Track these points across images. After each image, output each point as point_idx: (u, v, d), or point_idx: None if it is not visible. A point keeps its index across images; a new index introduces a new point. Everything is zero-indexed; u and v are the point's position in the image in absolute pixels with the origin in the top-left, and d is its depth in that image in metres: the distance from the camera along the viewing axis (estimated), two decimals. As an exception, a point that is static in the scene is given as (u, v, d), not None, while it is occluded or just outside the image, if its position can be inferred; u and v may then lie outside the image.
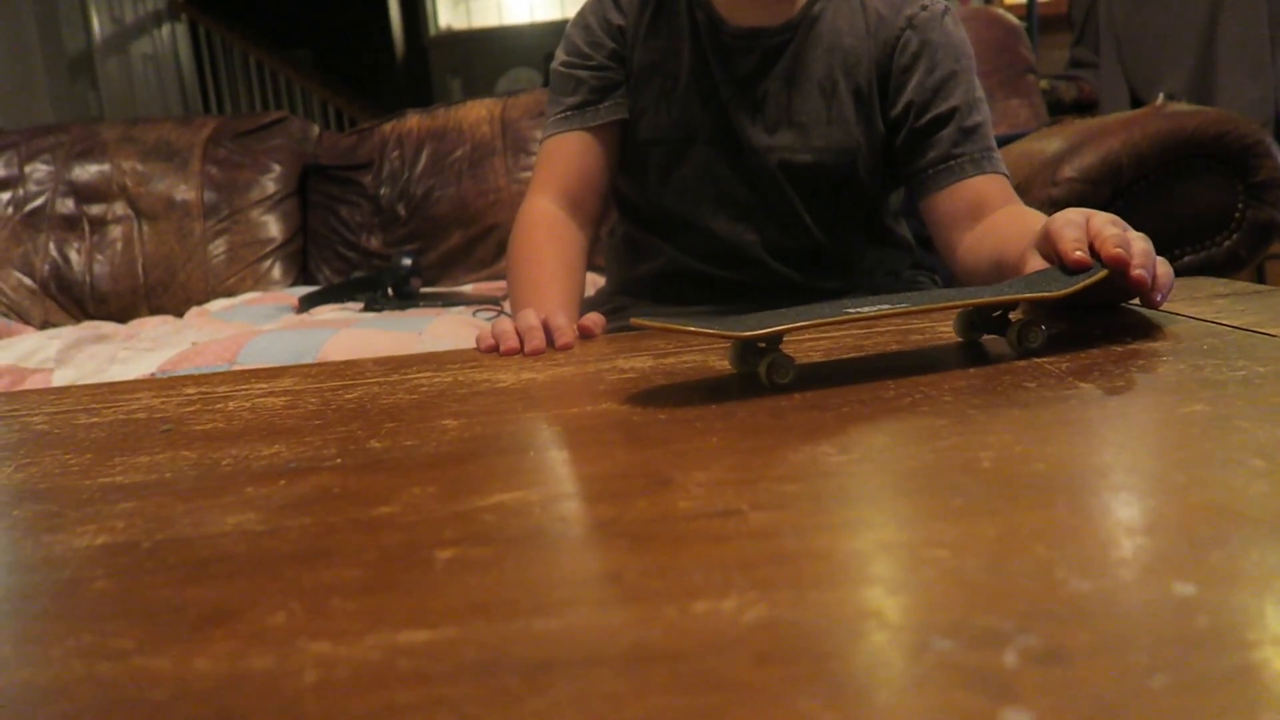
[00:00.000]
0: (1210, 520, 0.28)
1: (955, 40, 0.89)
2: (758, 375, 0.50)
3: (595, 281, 1.22)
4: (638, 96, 0.93)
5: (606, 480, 0.37)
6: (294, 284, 1.75)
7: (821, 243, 0.93)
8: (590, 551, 0.30)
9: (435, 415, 0.50)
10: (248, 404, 0.58)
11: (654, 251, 0.96)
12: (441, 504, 0.36)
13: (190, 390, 0.64)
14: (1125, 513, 0.30)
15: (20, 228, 1.76)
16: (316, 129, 1.91)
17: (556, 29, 5.99)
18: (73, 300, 1.74)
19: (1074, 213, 0.60)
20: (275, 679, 0.23)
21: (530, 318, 0.69)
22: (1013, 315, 0.55)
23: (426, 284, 1.60)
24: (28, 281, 1.74)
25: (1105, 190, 1.06)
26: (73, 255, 1.75)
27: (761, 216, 0.92)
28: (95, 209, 1.78)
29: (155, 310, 1.71)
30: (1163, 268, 0.57)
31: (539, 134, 1.61)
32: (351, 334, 1.09)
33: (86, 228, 1.77)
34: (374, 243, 1.74)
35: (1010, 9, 2.54)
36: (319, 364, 0.74)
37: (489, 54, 6.18)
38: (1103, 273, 0.54)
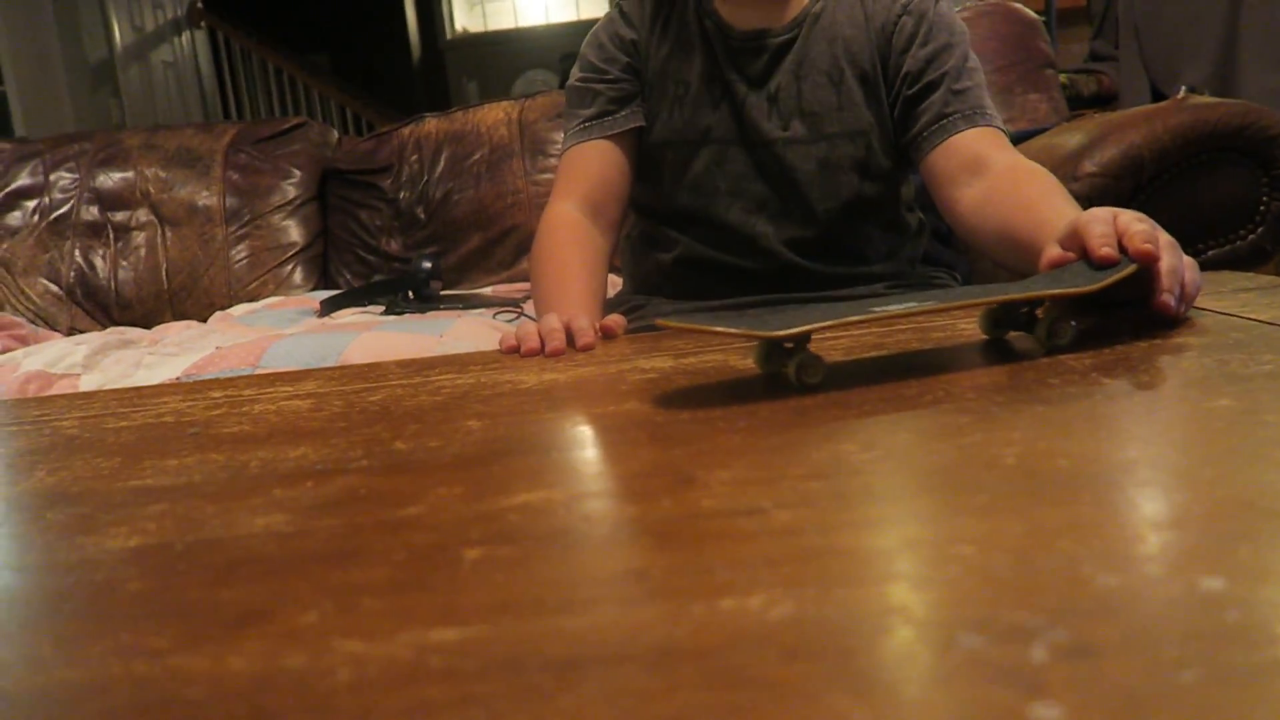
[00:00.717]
0: (1238, 515, 0.28)
1: (947, 18, 0.93)
2: (784, 375, 0.50)
3: (614, 283, 1.22)
4: (652, 103, 0.97)
5: (630, 479, 0.38)
6: (315, 288, 1.76)
7: (835, 232, 0.95)
8: (616, 550, 0.30)
9: (459, 416, 0.51)
10: (273, 407, 0.59)
11: (669, 243, 0.99)
12: (467, 504, 0.36)
13: (216, 394, 0.65)
14: (1151, 508, 0.30)
15: (46, 235, 1.78)
16: (335, 134, 1.93)
17: (572, 30, 6.00)
18: (98, 306, 1.76)
19: (1102, 210, 0.60)
20: (308, 677, 0.24)
21: (552, 320, 0.70)
22: (1039, 311, 0.54)
23: (446, 286, 1.61)
24: (54, 288, 1.76)
25: (1127, 184, 1.05)
26: (98, 262, 1.77)
27: (774, 208, 0.95)
28: (119, 216, 1.80)
29: (179, 315, 1.72)
30: (1191, 273, 0.57)
31: (557, 135, 1.63)
32: (373, 337, 1.10)
33: (111, 234, 1.79)
34: (394, 246, 1.75)
35: (1028, 3, 2.52)
36: (342, 367, 0.74)
37: (505, 56, 6.20)
38: (1131, 267, 0.53)
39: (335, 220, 1.82)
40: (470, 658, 0.24)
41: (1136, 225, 0.56)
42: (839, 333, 0.63)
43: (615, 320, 0.76)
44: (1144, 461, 0.34)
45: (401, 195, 1.76)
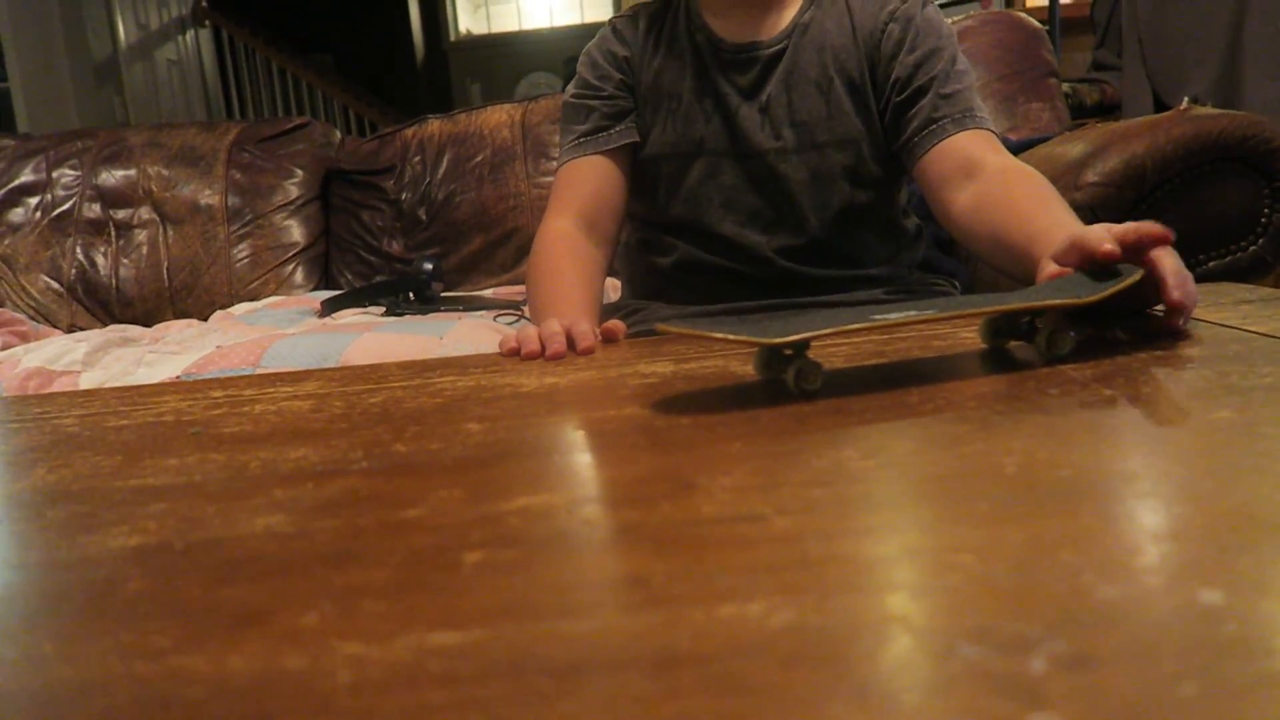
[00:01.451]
0: (1237, 527, 0.28)
1: (934, 23, 0.93)
2: (784, 381, 0.50)
3: (614, 286, 1.23)
4: (646, 117, 0.98)
5: (631, 485, 0.38)
6: (316, 288, 1.76)
7: (829, 239, 0.96)
8: (616, 555, 0.30)
9: (459, 419, 0.51)
10: (274, 407, 0.59)
11: (666, 249, 1.00)
12: (467, 507, 0.36)
13: (217, 393, 0.65)
14: (1151, 519, 0.30)
15: (48, 232, 1.78)
16: (338, 134, 1.93)
17: (575, 34, 6.01)
18: (99, 303, 1.76)
19: (1098, 227, 0.60)
20: (309, 679, 0.24)
21: (553, 324, 0.70)
22: (1039, 322, 0.54)
23: (447, 288, 1.61)
24: (55, 285, 1.76)
25: (1129, 194, 1.05)
26: (99, 259, 1.77)
27: (768, 218, 0.96)
28: (121, 213, 1.80)
29: (180, 314, 1.72)
30: (1189, 285, 0.57)
31: (559, 139, 1.63)
32: (374, 338, 1.10)
33: (113, 232, 1.79)
34: (395, 247, 1.76)
35: (1032, 12, 2.53)
36: (343, 368, 0.74)
37: (508, 58, 6.21)
38: (1135, 276, 0.53)
39: (337, 220, 1.82)
40: (470, 661, 0.24)
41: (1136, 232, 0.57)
42: (839, 340, 0.63)
43: (615, 325, 0.76)
44: (1144, 473, 0.34)
45: (404, 196, 1.76)
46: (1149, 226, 0.56)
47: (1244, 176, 1.06)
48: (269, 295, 1.71)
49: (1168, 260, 0.56)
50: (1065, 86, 2.00)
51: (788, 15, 0.95)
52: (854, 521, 0.32)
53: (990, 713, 0.20)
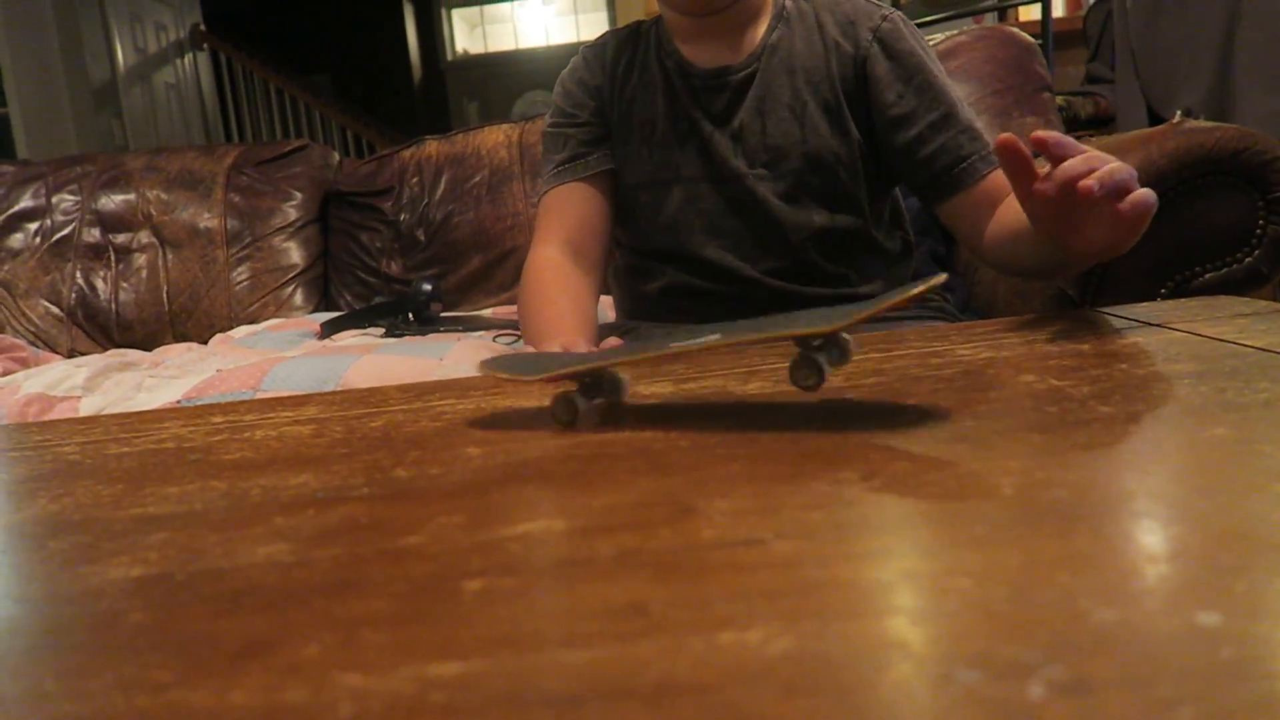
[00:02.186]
0: (1234, 548, 0.28)
1: (921, 47, 0.93)
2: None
3: (608, 303, 1.23)
4: (620, 146, 0.98)
5: (630, 509, 0.38)
6: (315, 310, 1.77)
7: (813, 260, 0.95)
8: (615, 582, 0.30)
9: (459, 443, 0.51)
10: (274, 432, 0.59)
11: (653, 274, 0.99)
12: (467, 534, 0.36)
13: (218, 419, 0.65)
14: (1148, 540, 0.30)
15: (47, 257, 1.79)
16: (337, 156, 1.94)
17: (572, 52, 6.04)
18: (98, 328, 1.76)
19: (1080, 159, 0.61)
20: (310, 712, 0.24)
21: (552, 346, 0.70)
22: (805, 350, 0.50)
23: (446, 308, 1.62)
24: (55, 310, 1.77)
25: (1123, 208, 1.06)
26: (99, 283, 1.78)
27: (749, 242, 0.95)
28: (120, 237, 1.81)
29: (179, 337, 1.73)
30: (1117, 163, 0.59)
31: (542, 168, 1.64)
32: (373, 360, 1.10)
33: (112, 256, 1.80)
34: (394, 268, 1.76)
35: (1025, 26, 2.55)
36: (343, 391, 0.74)
37: (505, 78, 6.25)
38: (909, 293, 0.47)
39: (336, 242, 1.83)
40: (471, 692, 0.24)
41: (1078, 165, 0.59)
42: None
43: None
44: (1141, 492, 0.34)
45: (402, 217, 1.77)
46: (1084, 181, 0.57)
47: (1238, 189, 1.06)
48: (268, 318, 1.72)
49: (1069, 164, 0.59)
50: (1059, 100, 2.02)
51: (757, 35, 0.95)
52: (852, 546, 0.32)
53: (989, 740, 0.20)
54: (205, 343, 1.60)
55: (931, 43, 1.09)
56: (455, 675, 0.25)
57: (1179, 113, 1.26)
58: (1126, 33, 2.16)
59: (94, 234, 1.81)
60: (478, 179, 1.74)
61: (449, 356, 1.13)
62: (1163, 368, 0.52)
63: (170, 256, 1.79)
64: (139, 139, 4.67)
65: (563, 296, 0.90)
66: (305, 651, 0.27)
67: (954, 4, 2.79)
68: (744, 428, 0.48)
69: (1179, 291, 1.08)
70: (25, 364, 1.47)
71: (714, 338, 0.52)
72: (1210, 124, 1.11)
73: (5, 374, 1.37)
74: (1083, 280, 1.05)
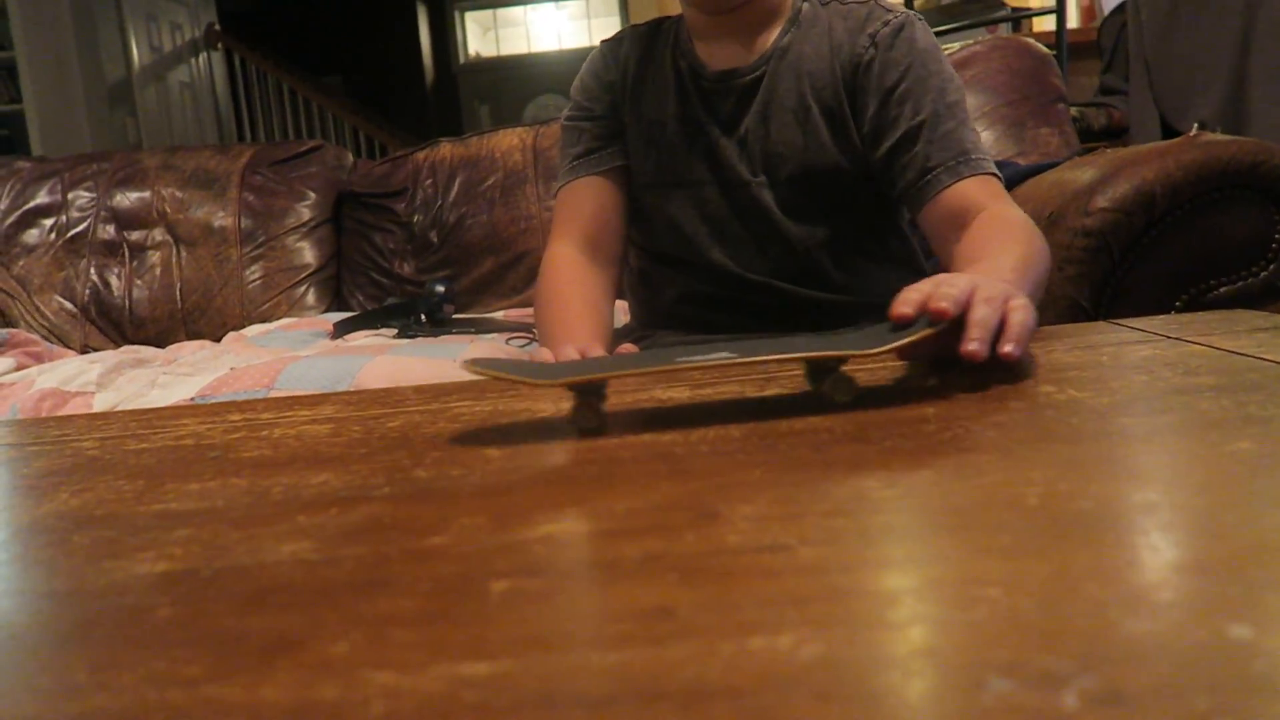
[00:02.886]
0: (1263, 562, 0.28)
1: (918, 49, 0.89)
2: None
3: (623, 308, 1.23)
4: (631, 145, 0.97)
5: (653, 512, 0.38)
6: (328, 310, 1.77)
7: (822, 267, 0.94)
8: (642, 585, 0.31)
9: (478, 444, 0.51)
10: (293, 431, 0.59)
11: (666, 282, 0.99)
12: (491, 535, 0.36)
13: (235, 417, 0.66)
14: (1176, 553, 0.30)
15: (62, 253, 1.80)
16: (351, 157, 1.95)
17: (584, 56, 6.05)
18: (112, 324, 1.77)
19: (951, 275, 0.59)
20: (343, 710, 0.24)
21: (569, 350, 0.70)
22: (844, 367, 0.54)
23: (459, 310, 1.62)
24: (69, 306, 1.78)
25: (1139, 220, 1.06)
26: (113, 280, 1.79)
27: (755, 248, 0.94)
28: (135, 235, 1.81)
29: (192, 335, 1.74)
30: (1018, 315, 0.55)
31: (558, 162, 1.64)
32: (386, 360, 1.10)
33: (126, 253, 1.81)
34: (407, 269, 1.77)
35: (1039, 37, 2.54)
36: (359, 391, 0.75)
37: (517, 81, 6.26)
38: (926, 332, 0.54)
39: (349, 243, 1.84)
40: (503, 693, 0.24)
41: (946, 287, 0.56)
42: (860, 363, 0.63)
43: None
44: (1166, 505, 0.34)
45: (415, 219, 1.78)
46: (934, 304, 0.55)
47: (1254, 203, 1.06)
48: (281, 317, 1.72)
49: (977, 310, 0.55)
50: (1073, 111, 2.01)
51: (770, 38, 0.94)
52: (878, 553, 0.32)
53: (1024, 749, 0.20)
54: (218, 341, 1.61)
55: (946, 53, 1.08)
56: (486, 675, 0.25)
57: (1195, 125, 1.25)
58: (1141, 44, 2.16)
59: (109, 231, 1.81)
60: (491, 181, 1.74)
61: (462, 358, 1.13)
62: (1182, 381, 0.52)
63: (184, 254, 1.80)
64: (153, 137, 4.69)
65: (578, 297, 0.90)
66: (335, 649, 0.27)
67: (968, 14, 2.79)
68: (763, 433, 0.48)
69: (1193, 305, 1.08)
70: (39, 359, 1.48)
71: (723, 355, 0.53)
72: (1227, 137, 1.11)
73: (19, 369, 1.38)
74: (1097, 292, 1.05)
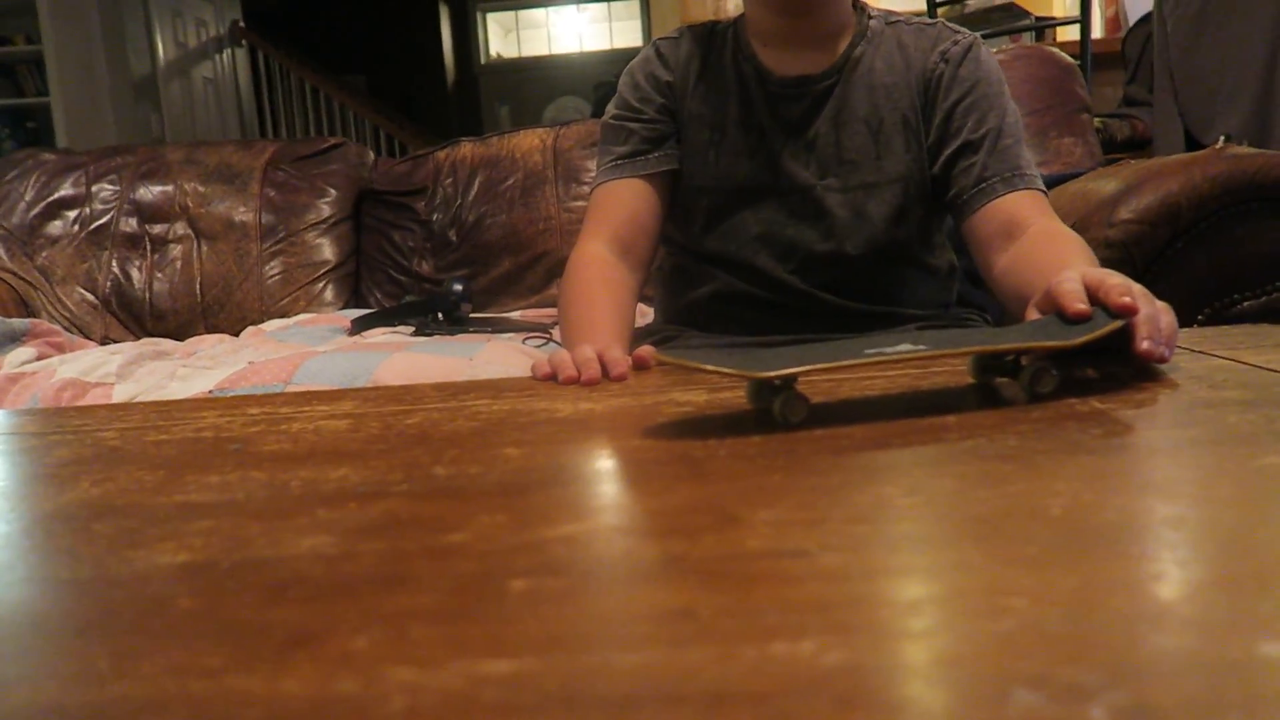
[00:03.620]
0: (1294, 578, 0.28)
1: (985, 69, 0.93)
2: (770, 412, 0.51)
3: (644, 312, 1.23)
4: (686, 146, 0.97)
5: (673, 515, 0.38)
6: (346, 306, 1.78)
7: (867, 275, 0.95)
8: (663, 587, 0.30)
9: (497, 443, 0.51)
10: (311, 426, 0.59)
11: (703, 279, 0.99)
12: (511, 533, 0.36)
13: (254, 410, 0.66)
14: (1204, 567, 0.30)
15: (85, 245, 1.82)
16: (372, 155, 1.96)
17: (605, 59, 6.07)
18: (132, 316, 1.78)
19: (1073, 270, 0.61)
20: (364, 704, 0.24)
21: (587, 350, 0.70)
22: (1025, 360, 0.55)
23: (476, 310, 1.62)
24: (90, 297, 1.79)
25: (1164, 232, 1.05)
26: (134, 272, 1.80)
27: (805, 252, 0.95)
28: (157, 228, 1.83)
29: (211, 328, 1.75)
30: (1166, 317, 0.58)
31: (591, 164, 1.64)
32: (404, 358, 1.11)
33: (148, 246, 1.82)
34: (425, 267, 1.77)
35: (1064, 46, 2.53)
36: (378, 388, 0.75)
37: (538, 82, 6.28)
38: (1116, 324, 0.55)
39: (369, 240, 1.84)
40: (525, 691, 0.24)
41: (1112, 279, 0.58)
42: (873, 374, 0.63)
43: (647, 351, 0.76)
44: (1193, 519, 0.34)
45: (435, 217, 1.78)
46: (1117, 298, 0.56)
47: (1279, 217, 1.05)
48: (299, 312, 1.73)
49: (1143, 307, 0.56)
50: (1096, 121, 2.00)
51: (839, 50, 0.95)
52: (901, 560, 0.32)
53: (1052, 762, 0.20)
54: (237, 335, 1.62)
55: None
56: (507, 673, 0.25)
57: (1221, 138, 1.24)
58: (1166, 56, 2.14)
59: (131, 224, 1.83)
60: (511, 182, 1.75)
61: (479, 357, 1.13)
62: (1208, 394, 0.52)
63: (205, 248, 1.81)
64: (176, 132, 4.73)
65: (604, 295, 0.90)
66: (354, 644, 0.27)
67: (992, 22, 2.77)
68: (783, 438, 0.48)
69: (1216, 319, 1.07)
70: (60, 349, 1.49)
71: (905, 347, 0.54)
72: (1254, 150, 1.10)
73: (40, 359, 1.39)
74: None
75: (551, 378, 0.69)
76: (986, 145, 0.89)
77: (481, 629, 0.28)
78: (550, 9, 6.48)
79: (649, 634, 0.27)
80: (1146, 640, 0.25)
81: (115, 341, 1.68)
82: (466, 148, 1.83)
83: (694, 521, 0.36)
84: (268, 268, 1.79)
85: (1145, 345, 0.55)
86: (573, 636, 0.27)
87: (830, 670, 0.24)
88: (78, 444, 0.59)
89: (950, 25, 0.96)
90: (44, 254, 1.80)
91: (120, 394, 1.17)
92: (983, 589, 0.29)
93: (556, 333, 1.32)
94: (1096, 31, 3.27)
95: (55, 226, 1.83)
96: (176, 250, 1.81)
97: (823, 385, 0.59)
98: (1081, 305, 0.57)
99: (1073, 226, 1.00)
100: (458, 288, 1.47)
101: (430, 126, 5.67)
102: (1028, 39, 3.01)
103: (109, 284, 1.79)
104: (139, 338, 1.70)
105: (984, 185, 0.88)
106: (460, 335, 1.37)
